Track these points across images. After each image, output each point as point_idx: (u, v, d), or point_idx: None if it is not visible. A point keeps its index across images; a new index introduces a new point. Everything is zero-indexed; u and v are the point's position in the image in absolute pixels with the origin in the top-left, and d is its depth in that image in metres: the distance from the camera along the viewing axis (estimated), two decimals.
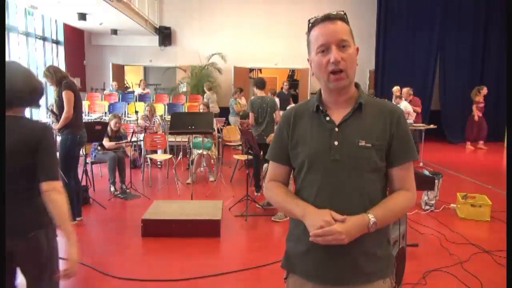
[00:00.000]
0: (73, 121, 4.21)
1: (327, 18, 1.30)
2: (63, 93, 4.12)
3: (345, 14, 1.33)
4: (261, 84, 5.76)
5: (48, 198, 1.76)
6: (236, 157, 6.79)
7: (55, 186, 1.78)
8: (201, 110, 6.88)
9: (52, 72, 4.17)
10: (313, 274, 1.36)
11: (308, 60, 1.38)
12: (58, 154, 4.19)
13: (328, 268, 1.33)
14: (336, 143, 1.32)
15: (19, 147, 1.77)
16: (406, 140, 1.35)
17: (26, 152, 1.78)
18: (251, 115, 5.58)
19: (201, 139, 6.36)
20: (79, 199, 4.46)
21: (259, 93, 5.69)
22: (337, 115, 1.35)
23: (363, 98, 1.36)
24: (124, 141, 6.11)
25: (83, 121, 4.75)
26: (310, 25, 1.34)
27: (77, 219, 4.39)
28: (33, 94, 1.88)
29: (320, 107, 1.37)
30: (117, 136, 6.15)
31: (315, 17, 1.33)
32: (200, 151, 6.27)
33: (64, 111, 4.13)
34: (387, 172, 1.37)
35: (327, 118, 1.35)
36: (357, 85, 1.40)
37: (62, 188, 1.83)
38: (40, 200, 1.80)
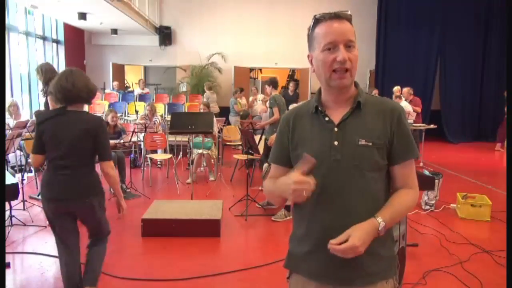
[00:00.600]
0: None
1: (337, 16, 1.29)
2: (49, 98, 4.05)
3: (350, 15, 1.33)
4: (276, 83, 5.77)
5: (104, 171, 2.54)
6: (236, 156, 6.78)
7: (110, 164, 2.56)
8: (201, 110, 6.87)
9: (43, 71, 4.16)
10: (316, 274, 1.35)
11: (308, 56, 1.37)
12: None
13: (331, 269, 1.32)
14: (336, 143, 1.31)
15: (82, 134, 2.44)
16: (407, 137, 1.35)
17: (87, 138, 2.45)
18: (276, 110, 5.36)
19: (201, 138, 6.36)
20: None
21: (274, 92, 5.68)
22: (336, 115, 1.35)
23: (362, 97, 1.35)
24: (123, 140, 6.10)
25: None
26: (315, 20, 1.33)
27: None
28: (89, 94, 2.54)
29: (319, 108, 1.37)
30: (116, 131, 6.13)
31: (322, 13, 1.32)
32: (200, 151, 6.28)
33: None
34: (389, 170, 1.36)
35: (326, 119, 1.35)
36: (356, 84, 1.39)
37: (113, 165, 2.67)
38: (94, 175, 2.58)
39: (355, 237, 1.22)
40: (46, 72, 4.15)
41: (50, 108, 4.03)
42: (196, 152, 6.28)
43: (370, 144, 1.30)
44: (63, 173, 2.45)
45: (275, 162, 1.49)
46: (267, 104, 6.02)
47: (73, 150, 2.43)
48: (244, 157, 5.95)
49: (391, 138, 1.32)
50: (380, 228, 1.26)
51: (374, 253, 1.32)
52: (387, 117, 1.33)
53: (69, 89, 2.41)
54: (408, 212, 1.46)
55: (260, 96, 10.06)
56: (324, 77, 1.32)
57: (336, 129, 1.33)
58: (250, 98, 10.49)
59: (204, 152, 6.34)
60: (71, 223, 2.61)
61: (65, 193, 2.46)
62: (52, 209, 2.52)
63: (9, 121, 6.59)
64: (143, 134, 6.73)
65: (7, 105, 6.63)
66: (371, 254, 1.31)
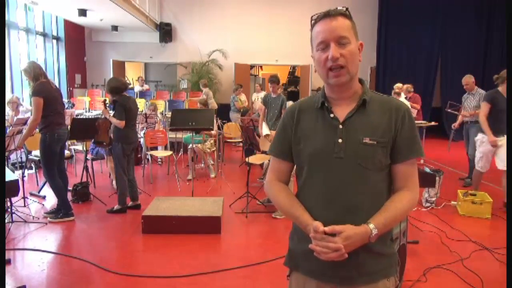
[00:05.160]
0: (51, 120, 4.20)
1: (327, 14, 1.29)
2: (32, 99, 4.09)
3: (347, 9, 1.31)
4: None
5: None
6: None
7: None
8: (199, 106, 6.81)
9: (32, 68, 4.17)
10: (317, 272, 1.34)
11: (312, 56, 1.37)
12: (40, 152, 4.30)
13: (332, 267, 1.30)
14: (340, 140, 1.30)
15: (136, 107, 4.79)
16: (411, 136, 1.32)
17: (137, 109, 4.82)
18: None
19: (190, 134, 6.27)
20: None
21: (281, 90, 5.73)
22: (341, 112, 1.33)
23: (367, 94, 1.34)
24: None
25: (84, 117, 4.81)
26: (312, 22, 1.33)
27: (70, 218, 4.44)
28: (127, 87, 4.81)
29: (326, 103, 1.35)
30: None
31: (317, 14, 1.32)
32: (190, 146, 6.20)
33: (32, 117, 4.13)
34: (391, 169, 1.34)
35: (332, 115, 1.33)
36: (361, 81, 1.37)
37: None
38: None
39: (342, 238, 1.21)
40: (35, 69, 4.17)
41: (33, 106, 4.13)
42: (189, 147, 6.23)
43: (375, 142, 1.28)
44: (134, 128, 4.76)
45: (276, 155, 1.45)
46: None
47: (136, 116, 4.75)
48: (258, 161, 5.66)
49: (394, 137, 1.31)
50: (372, 236, 1.24)
51: (374, 251, 1.30)
52: (392, 116, 1.31)
53: (119, 86, 4.57)
54: (405, 216, 1.43)
55: (262, 94, 9.97)
56: (322, 76, 1.32)
57: (340, 126, 1.31)
58: (253, 96, 10.43)
59: (194, 146, 6.22)
60: (126, 159, 4.70)
61: (136, 138, 4.84)
62: (128, 148, 4.61)
63: (9, 116, 6.59)
64: (143, 131, 6.72)
65: (7, 100, 6.64)
66: (371, 253, 1.30)
